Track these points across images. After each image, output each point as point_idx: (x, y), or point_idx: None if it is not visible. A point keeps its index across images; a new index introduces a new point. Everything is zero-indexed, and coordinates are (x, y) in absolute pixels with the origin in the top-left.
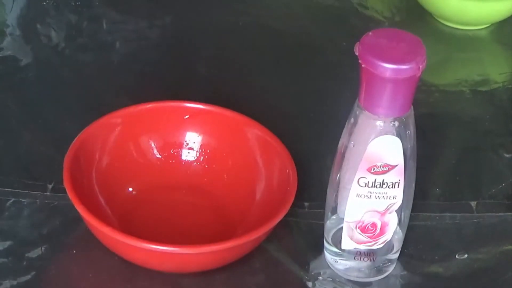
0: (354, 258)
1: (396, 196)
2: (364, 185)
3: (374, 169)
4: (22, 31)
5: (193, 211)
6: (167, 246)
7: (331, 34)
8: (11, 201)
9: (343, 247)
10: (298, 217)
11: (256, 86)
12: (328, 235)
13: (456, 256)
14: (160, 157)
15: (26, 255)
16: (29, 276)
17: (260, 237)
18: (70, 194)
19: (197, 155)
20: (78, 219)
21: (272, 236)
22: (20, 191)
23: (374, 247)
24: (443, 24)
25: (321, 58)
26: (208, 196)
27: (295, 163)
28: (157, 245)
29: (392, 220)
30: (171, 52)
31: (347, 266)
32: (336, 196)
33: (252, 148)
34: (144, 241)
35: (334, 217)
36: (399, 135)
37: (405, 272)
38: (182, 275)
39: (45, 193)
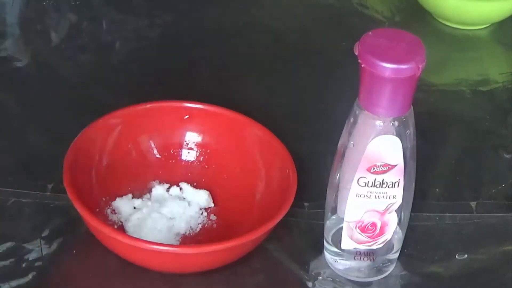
0: (354, 258)
1: (396, 195)
2: (364, 184)
3: (374, 168)
4: (22, 31)
5: None
6: (167, 246)
7: (331, 34)
8: (11, 201)
9: (343, 247)
10: (298, 217)
11: (256, 86)
12: (328, 235)
13: (456, 256)
14: (160, 157)
15: (26, 255)
16: (29, 276)
17: (260, 237)
18: (70, 194)
19: (197, 155)
20: (78, 219)
21: (272, 236)
22: (20, 191)
23: (374, 247)
24: (443, 24)
25: (321, 58)
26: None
27: (295, 163)
28: (157, 245)
29: (392, 220)
30: (171, 52)
31: (347, 266)
32: (336, 195)
33: (252, 148)
34: (144, 241)
35: (334, 217)
36: (399, 135)
37: (405, 272)
38: (182, 275)
39: (45, 193)
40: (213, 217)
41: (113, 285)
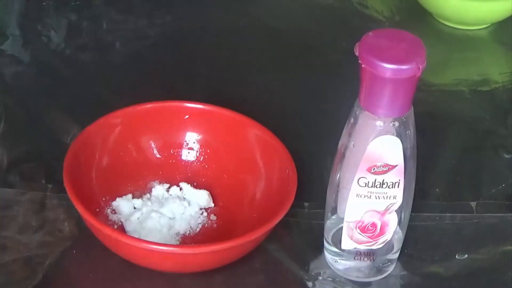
0: (354, 258)
1: (396, 196)
2: (364, 185)
3: (374, 169)
4: (22, 31)
5: None
6: (167, 246)
7: (331, 34)
8: (11, 201)
9: (343, 247)
10: (298, 217)
11: (256, 86)
12: (328, 235)
13: (456, 256)
14: (160, 157)
15: (26, 255)
16: (29, 277)
17: (260, 237)
18: (70, 194)
19: (197, 155)
20: (78, 219)
21: (272, 236)
22: (20, 190)
23: (374, 247)
24: (443, 24)
25: (321, 58)
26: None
27: (295, 163)
28: (157, 245)
29: (392, 220)
30: (171, 51)
31: (347, 266)
32: (336, 196)
33: (252, 148)
34: (144, 241)
35: (334, 217)
36: (399, 135)
37: (405, 272)
38: (182, 275)
39: (45, 193)
40: (213, 217)
41: (113, 285)
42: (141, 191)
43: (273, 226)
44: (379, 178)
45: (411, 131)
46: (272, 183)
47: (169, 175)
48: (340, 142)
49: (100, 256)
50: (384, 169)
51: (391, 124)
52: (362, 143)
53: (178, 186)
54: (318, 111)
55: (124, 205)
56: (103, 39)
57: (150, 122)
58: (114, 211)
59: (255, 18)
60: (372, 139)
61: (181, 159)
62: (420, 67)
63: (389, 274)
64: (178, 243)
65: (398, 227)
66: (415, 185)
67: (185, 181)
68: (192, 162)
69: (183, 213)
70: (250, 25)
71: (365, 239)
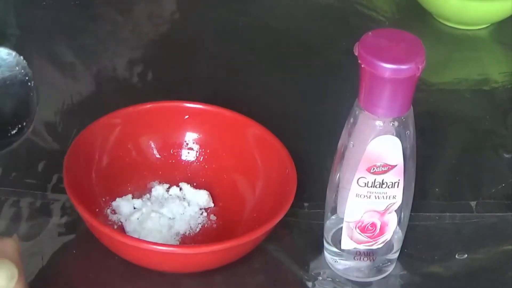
0: (354, 258)
1: (396, 195)
2: (363, 185)
3: (373, 168)
4: (22, 31)
5: None
6: (167, 246)
7: (331, 34)
8: (11, 200)
9: (342, 247)
10: (298, 217)
11: (256, 86)
12: (328, 235)
13: (456, 256)
14: (160, 157)
15: (26, 254)
16: (29, 276)
17: (260, 237)
18: (70, 194)
19: (197, 155)
20: (78, 219)
21: (272, 236)
22: (20, 190)
23: (374, 247)
24: (443, 24)
25: (321, 58)
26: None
27: (294, 163)
28: (157, 245)
29: (392, 220)
30: (171, 52)
31: (347, 266)
32: (336, 196)
33: (252, 148)
34: (144, 241)
35: (333, 217)
36: (398, 135)
37: (405, 272)
38: (182, 275)
39: (45, 193)
40: (213, 217)
41: (113, 285)
42: (141, 191)
43: (273, 226)
44: (379, 178)
45: (410, 131)
46: (271, 183)
47: (169, 175)
48: (339, 142)
49: (100, 256)
50: (383, 168)
51: (391, 124)
52: (361, 143)
53: (178, 186)
54: (318, 111)
55: (124, 205)
56: (103, 39)
57: (150, 122)
58: (114, 211)
59: (255, 18)
60: (371, 139)
61: (180, 159)
62: (420, 67)
63: (389, 274)
64: (178, 243)
65: (397, 227)
66: (415, 185)
67: (185, 181)
68: (192, 162)
69: (183, 213)
70: (250, 25)
71: (364, 239)
